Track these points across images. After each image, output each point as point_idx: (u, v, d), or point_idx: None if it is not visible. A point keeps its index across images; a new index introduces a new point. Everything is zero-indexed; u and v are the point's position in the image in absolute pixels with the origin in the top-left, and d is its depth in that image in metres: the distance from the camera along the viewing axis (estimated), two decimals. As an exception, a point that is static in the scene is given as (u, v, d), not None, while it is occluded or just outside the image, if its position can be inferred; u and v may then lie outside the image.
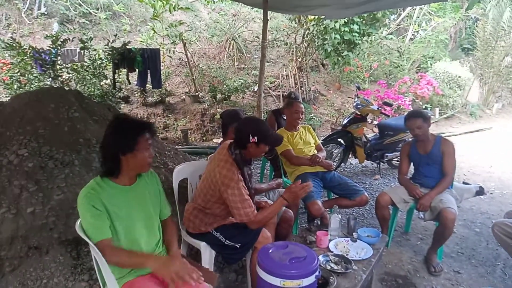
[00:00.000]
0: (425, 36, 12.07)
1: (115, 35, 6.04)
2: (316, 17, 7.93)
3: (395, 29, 12.12)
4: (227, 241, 2.23)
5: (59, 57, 5.41)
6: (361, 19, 7.90)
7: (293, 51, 9.58)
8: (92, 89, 5.70)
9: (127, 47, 6.04)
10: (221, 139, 4.25)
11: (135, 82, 7.10)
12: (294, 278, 1.65)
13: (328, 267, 2.10)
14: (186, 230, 2.38)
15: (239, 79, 8.84)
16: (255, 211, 2.17)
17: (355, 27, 7.81)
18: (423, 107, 8.96)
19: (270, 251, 1.78)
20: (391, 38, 12.01)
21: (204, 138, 7.15)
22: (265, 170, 4.98)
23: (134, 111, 7.45)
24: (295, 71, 9.13)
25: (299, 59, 9.26)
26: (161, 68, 7.19)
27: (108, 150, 1.71)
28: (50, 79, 5.18)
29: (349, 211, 3.98)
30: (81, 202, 1.65)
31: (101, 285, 1.74)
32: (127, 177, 1.76)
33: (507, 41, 10.69)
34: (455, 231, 3.42)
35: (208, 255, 2.27)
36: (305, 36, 9.00)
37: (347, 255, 2.24)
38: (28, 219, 2.33)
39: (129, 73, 6.70)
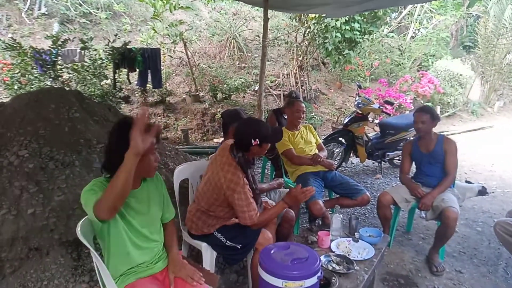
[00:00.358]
0: (426, 34, 12.04)
1: (116, 35, 6.04)
2: (317, 15, 7.91)
3: (396, 27, 12.09)
4: (228, 242, 2.23)
5: (59, 57, 5.40)
6: (362, 17, 7.87)
7: (293, 50, 9.55)
8: (93, 89, 5.69)
9: (128, 46, 6.04)
10: (222, 138, 4.24)
11: (136, 82, 7.09)
12: (296, 279, 1.64)
13: (330, 268, 2.09)
14: (188, 231, 2.37)
15: (240, 78, 8.82)
16: (258, 213, 2.17)
17: (356, 25, 7.78)
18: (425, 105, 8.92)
19: (272, 251, 1.77)
20: (392, 36, 11.97)
21: (205, 138, 7.14)
22: (266, 170, 4.96)
23: (135, 111, 7.44)
24: (296, 70, 9.11)
25: (300, 58, 9.24)
26: (162, 67, 7.18)
27: (113, 155, 1.65)
28: (51, 79, 5.17)
29: (350, 210, 3.97)
30: (86, 189, 1.59)
31: (101, 286, 1.73)
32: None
33: (508, 38, 10.64)
34: (457, 231, 3.41)
35: (209, 256, 2.26)
36: (306, 35, 8.98)
37: (349, 255, 2.23)
38: (28, 220, 2.32)
39: (130, 73, 6.70)
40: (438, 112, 9.54)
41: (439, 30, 11.81)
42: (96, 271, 1.78)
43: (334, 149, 5.10)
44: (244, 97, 8.44)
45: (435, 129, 3.12)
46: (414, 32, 12.45)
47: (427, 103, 9.03)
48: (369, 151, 5.08)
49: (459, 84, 10.12)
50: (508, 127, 9.34)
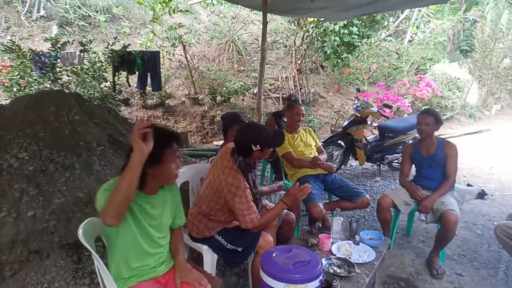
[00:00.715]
0: (423, 38, 12.11)
1: (115, 38, 6.02)
2: (316, 19, 7.94)
3: (393, 31, 12.15)
4: (229, 244, 2.23)
5: (58, 60, 5.39)
6: (361, 21, 7.91)
7: (292, 53, 9.58)
8: (92, 92, 5.68)
9: (127, 49, 6.04)
10: (221, 141, 4.24)
11: (135, 85, 7.09)
12: (299, 282, 1.64)
13: (331, 271, 2.09)
14: (189, 234, 2.36)
15: (239, 81, 8.83)
16: (259, 216, 2.17)
17: (355, 29, 7.82)
18: (423, 108, 8.95)
19: (274, 255, 1.77)
20: (390, 40, 12.04)
21: (204, 141, 7.14)
22: (266, 173, 4.97)
23: (134, 113, 7.44)
24: (295, 73, 9.13)
25: (299, 61, 9.27)
26: (161, 70, 7.18)
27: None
28: (50, 81, 5.16)
29: (350, 213, 3.97)
30: (103, 188, 1.58)
31: (102, 289, 1.73)
32: (150, 188, 1.71)
33: (505, 42, 10.71)
34: (456, 234, 3.41)
35: (210, 259, 2.26)
36: (304, 39, 9.01)
37: (349, 258, 2.23)
38: (28, 223, 2.31)
39: (129, 76, 6.69)
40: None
41: (436, 34, 11.88)
42: (98, 273, 1.77)
43: (333, 152, 5.11)
44: (243, 100, 8.45)
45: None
46: (411, 36, 12.51)
47: (425, 107, 9.08)
48: (368, 154, 5.09)
49: (456, 87, 10.17)
50: (506, 130, 9.39)
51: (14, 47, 4.95)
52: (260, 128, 2.27)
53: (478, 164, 6.19)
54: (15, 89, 5.25)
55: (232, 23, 10.87)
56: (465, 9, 11.85)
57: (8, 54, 5.33)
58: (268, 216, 2.22)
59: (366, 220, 3.94)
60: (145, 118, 1.82)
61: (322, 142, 4.63)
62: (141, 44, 8.40)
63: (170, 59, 8.59)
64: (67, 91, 4.53)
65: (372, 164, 5.44)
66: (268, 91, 8.83)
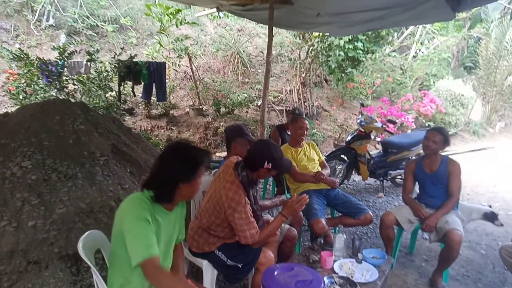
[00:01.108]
0: (428, 54, 12.15)
1: (122, 48, 6.11)
2: (321, 34, 8.00)
3: (398, 47, 12.22)
4: (229, 260, 2.20)
5: (65, 69, 5.45)
6: (365, 37, 7.96)
7: (297, 66, 9.64)
8: (97, 101, 5.73)
9: (134, 60, 6.10)
10: (224, 153, 4.22)
11: (140, 95, 7.14)
12: (300, 301, 1.61)
13: (333, 290, 2.05)
14: (189, 248, 2.34)
15: (243, 93, 8.87)
16: (258, 231, 2.15)
17: (359, 44, 7.87)
18: (426, 124, 8.93)
19: (276, 273, 1.75)
20: (394, 55, 12.09)
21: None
22: (268, 186, 4.94)
23: (138, 123, 7.47)
24: (299, 86, 9.16)
25: (303, 75, 9.31)
26: (166, 81, 7.24)
27: (167, 178, 1.64)
28: (56, 90, 5.21)
29: (352, 230, 3.92)
30: (132, 210, 1.56)
31: (100, 303, 1.70)
32: (171, 204, 1.72)
33: (510, 60, 10.72)
34: (460, 253, 3.36)
35: (210, 275, 2.23)
36: (309, 52, 9.07)
37: (352, 277, 2.19)
38: (29, 233, 2.30)
39: (135, 86, 6.75)
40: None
41: (441, 50, 11.93)
42: (96, 286, 1.75)
43: (336, 166, 5.09)
44: (247, 112, 8.47)
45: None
46: (415, 52, 12.57)
47: (428, 123, 9.06)
48: (371, 169, 5.07)
49: (460, 104, 10.15)
50: (510, 148, 9.33)
51: (22, 55, 5.01)
52: (277, 148, 2.30)
53: (481, 181, 6.13)
54: (21, 97, 5.30)
55: (238, 35, 10.98)
56: (470, 26, 11.90)
57: (16, 62, 5.40)
58: (268, 230, 2.20)
59: (368, 237, 3.89)
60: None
61: (325, 156, 4.62)
62: (147, 54, 8.49)
63: (175, 70, 8.66)
64: (72, 100, 4.57)
65: (375, 179, 5.41)
66: (272, 103, 8.85)
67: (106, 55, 8.06)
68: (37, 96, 5.25)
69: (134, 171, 3.20)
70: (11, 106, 6.02)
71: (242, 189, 2.15)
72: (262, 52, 10.66)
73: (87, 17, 9.00)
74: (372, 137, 5.40)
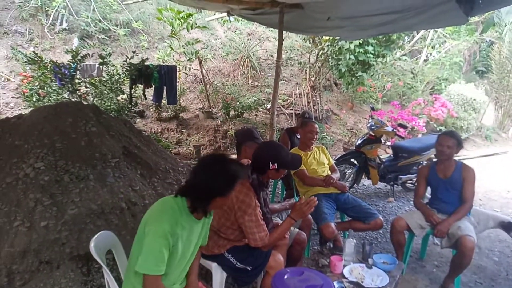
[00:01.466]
0: (439, 58, 12.03)
1: (134, 52, 6.16)
2: (331, 37, 7.99)
3: (408, 51, 12.12)
4: (238, 263, 2.20)
5: (78, 72, 5.53)
6: (376, 41, 7.92)
7: (306, 70, 9.63)
8: (109, 104, 5.79)
9: (145, 63, 6.16)
10: (234, 156, 4.22)
11: (151, 98, 7.20)
12: (310, 306, 1.60)
13: (343, 295, 2.04)
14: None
15: (253, 96, 8.90)
16: (268, 235, 2.15)
17: (370, 48, 7.83)
18: (438, 129, 8.83)
19: (285, 277, 1.74)
20: (405, 59, 12.00)
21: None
22: (277, 189, 4.93)
23: (149, 125, 7.54)
24: (308, 89, 9.16)
25: (313, 78, 9.30)
26: (177, 84, 7.30)
27: (205, 191, 1.66)
28: (68, 92, 5.29)
29: (362, 234, 3.89)
30: (158, 222, 1.59)
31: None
32: (202, 214, 1.75)
33: (523, 65, 10.57)
34: (473, 259, 3.30)
35: (219, 277, 2.23)
36: (319, 56, 9.06)
37: (362, 282, 2.17)
38: (41, 233, 2.33)
39: (146, 89, 6.82)
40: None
41: (452, 54, 11.80)
42: (107, 287, 1.77)
43: (346, 170, 5.05)
44: (256, 115, 8.49)
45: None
46: (426, 56, 12.45)
47: (440, 127, 8.96)
48: (382, 173, 5.02)
49: (472, 108, 10.01)
50: (523, 153, 9.16)
51: (36, 58, 5.10)
52: (280, 147, 2.30)
53: (494, 187, 6.03)
54: (34, 99, 5.38)
55: (248, 39, 11.03)
56: (482, 30, 11.75)
57: (30, 65, 5.50)
58: (277, 233, 2.20)
59: (378, 242, 3.85)
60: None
61: (335, 160, 4.59)
62: (158, 58, 8.57)
63: (186, 73, 8.72)
64: (85, 102, 4.63)
65: (385, 184, 5.36)
66: (281, 107, 8.85)
67: (118, 59, 8.16)
68: (50, 99, 5.33)
69: (145, 173, 3.23)
70: (25, 108, 6.12)
71: (253, 191, 2.16)
72: (271, 56, 10.68)
73: (100, 21, 9.13)
74: (383, 141, 5.35)
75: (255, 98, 8.68)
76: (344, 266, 2.36)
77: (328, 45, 8.43)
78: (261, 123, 8.19)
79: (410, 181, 5.27)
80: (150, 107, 7.95)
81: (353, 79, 8.48)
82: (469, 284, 3.09)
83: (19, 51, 5.77)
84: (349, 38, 7.08)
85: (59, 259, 2.31)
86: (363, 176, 5.15)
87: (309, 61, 9.46)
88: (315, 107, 9.00)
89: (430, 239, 3.53)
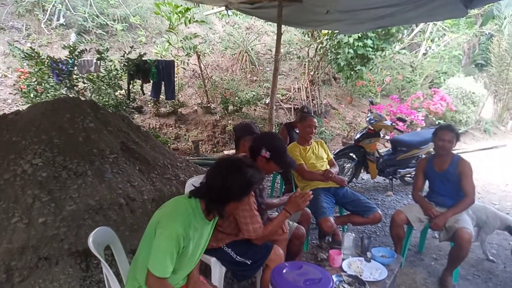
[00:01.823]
0: (438, 51, 11.99)
1: (131, 47, 6.13)
2: (330, 31, 7.95)
3: (408, 44, 12.08)
4: (238, 257, 2.20)
5: (75, 67, 5.50)
6: (375, 34, 7.88)
7: (305, 64, 9.60)
8: (107, 99, 5.78)
9: (143, 58, 6.13)
10: (232, 150, 4.22)
11: (149, 93, 7.18)
12: (308, 300, 1.61)
13: (341, 288, 2.04)
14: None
15: (251, 91, 8.87)
16: (262, 227, 2.15)
17: (369, 42, 7.79)
18: (436, 122, 8.83)
19: (284, 271, 1.74)
20: (404, 53, 11.96)
21: (215, 150, 7.15)
22: (276, 184, 4.94)
23: (147, 121, 7.52)
24: (307, 84, 9.13)
25: (311, 73, 9.27)
26: (175, 79, 7.27)
27: (221, 195, 1.66)
28: (66, 88, 5.27)
29: (361, 228, 3.90)
30: (170, 221, 1.59)
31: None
32: (213, 216, 1.76)
33: (523, 57, 10.54)
34: (471, 251, 3.32)
35: (218, 271, 2.23)
36: (318, 50, 9.02)
37: (360, 275, 2.18)
38: (39, 229, 2.33)
39: (144, 84, 6.79)
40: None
41: (452, 47, 11.76)
42: (106, 282, 1.77)
43: (344, 165, 5.05)
44: (255, 110, 8.47)
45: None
46: (426, 49, 12.41)
47: (439, 121, 8.96)
48: (380, 167, 5.03)
49: (471, 102, 10.00)
50: (522, 146, 9.17)
51: (33, 54, 5.07)
52: (280, 140, 2.31)
53: (493, 180, 6.04)
54: (32, 95, 5.36)
55: (246, 33, 10.98)
56: (482, 23, 11.69)
57: (27, 61, 5.47)
58: (272, 226, 2.20)
59: (377, 236, 3.86)
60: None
61: (334, 155, 4.59)
62: (156, 53, 8.53)
63: (184, 68, 8.69)
64: (82, 98, 4.61)
65: (384, 178, 5.37)
66: (280, 101, 8.84)
67: (116, 54, 8.12)
68: (48, 95, 5.32)
69: (143, 168, 3.22)
70: (22, 104, 6.10)
71: None
72: (270, 50, 10.64)
73: (97, 16, 9.07)
74: (381, 135, 5.35)
75: (254, 93, 8.66)
76: (343, 259, 2.37)
77: (327, 39, 8.39)
78: (260, 118, 8.17)
79: (409, 175, 5.28)
80: (149, 103, 7.93)
81: (352, 73, 8.45)
82: (467, 276, 3.11)
83: (16, 47, 5.75)
84: (348, 32, 7.05)
85: (58, 255, 2.30)
86: (362, 170, 5.16)
87: (308, 55, 9.42)
88: (314, 101, 8.98)
89: (429, 232, 3.54)
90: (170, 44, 8.15)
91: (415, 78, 11.01)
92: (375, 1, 3.91)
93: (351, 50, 7.88)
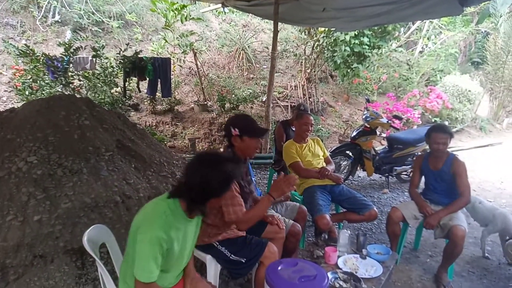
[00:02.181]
0: (434, 49, 12.03)
1: (127, 44, 6.10)
2: (326, 29, 7.95)
3: (404, 42, 12.10)
4: (232, 255, 2.20)
5: (71, 65, 5.47)
6: (372, 32, 7.89)
7: (302, 62, 9.60)
8: (103, 97, 5.75)
9: (139, 56, 6.11)
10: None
11: (145, 91, 7.16)
12: (303, 297, 1.61)
13: (337, 285, 2.05)
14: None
15: (248, 89, 8.86)
16: (244, 209, 2.14)
17: (365, 39, 7.80)
18: (433, 120, 8.86)
19: (279, 268, 1.75)
20: (401, 51, 11.98)
21: (212, 147, 7.15)
22: (272, 181, 4.94)
23: (143, 119, 7.50)
24: (304, 82, 9.13)
25: (308, 70, 9.27)
26: (171, 77, 7.25)
27: (201, 194, 1.60)
28: (61, 86, 5.24)
29: (357, 225, 3.91)
30: (149, 227, 1.55)
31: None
32: (196, 213, 1.72)
33: (518, 55, 10.58)
34: (465, 248, 3.34)
35: (213, 269, 2.23)
36: (314, 48, 9.02)
37: (356, 272, 2.19)
38: (34, 227, 2.32)
39: (140, 82, 6.77)
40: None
41: (448, 45, 11.79)
42: (101, 280, 1.77)
43: (341, 162, 5.07)
44: (251, 107, 8.46)
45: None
46: (422, 47, 12.44)
47: (435, 118, 8.99)
48: (377, 165, 5.04)
49: (467, 100, 10.04)
50: (518, 144, 9.22)
51: (28, 51, 5.04)
52: (243, 115, 2.33)
53: (488, 178, 6.08)
54: (27, 92, 5.33)
55: (243, 31, 10.96)
56: (478, 21, 11.75)
57: (22, 58, 5.43)
58: (254, 211, 2.17)
59: (373, 233, 3.88)
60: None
61: (330, 152, 4.60)
62: (152, 50, 8.50)
63: (180, 66, 8.66)
64: (78, 95, 4.59)
65: (380, 175, 5.38)
66: (277, 99, 8.84)
67: (112, 51, 8.08)
68: (43, 92, 5.28)
69: (139, 166, 3.21)
70: (18, 102, 6.06)
71: None
72: (267, 48, 10.62)
73: (93, 13, 9.02)
74: (378, 133, 5.36)
75: (251, 91, 8.65)
76: (339, 257, 2.38)
77: (323, 37, 8.39)
78: (256, 115, 8.17)
79: (405, 173, 5.30)
80: (145, 100, 7.90)
81: (349, 70, 8.46)
82: (462, 273, 3.13)
83: (10, 44, 5.69)
84: (345, 29, 7.06)
85: (53, 253, 2.30)
86: (358, 168, 5.18)
87: (305, 53, 9.42)
88: (310, 99, 8.98)
89: (425, 229, 3.56)
90: (166, 41, 8.12)
91: (412, 76, 11.04)
92: (371, -1, 3.92)
93: (347, 48, 7.89)
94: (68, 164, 2.73)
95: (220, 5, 5.57)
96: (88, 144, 2.95)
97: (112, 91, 5.97)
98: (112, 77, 5.68)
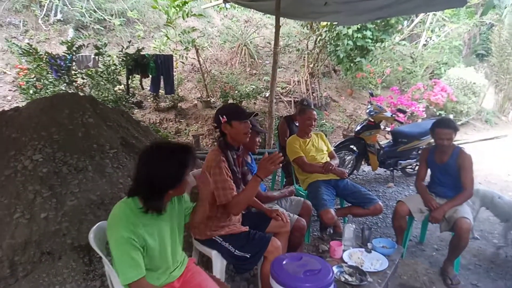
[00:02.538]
0: (438, 42, 11.92)
1: (129, 41, 6.11)
2: (329, 23, 7.90)
3: (408, 35, 12.01)
4: (236, 251, 2.20)
5: (74, 63, 5.49)
6: (374, 25, 7.83)
7: (305, 57, 9.55)
8: (106, 95, 5.77)
9: (141, 53, 6.11)
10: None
11: (148, 88, 7.17)
12: (309, 290, 1.62)
13: (343, 279, 2.05)
14: (194, 237, 2.36)
15: (251, 84, 8.84)
16: (234, 192, 2.15)
17: (368, 33, 7.75)
18: (437, 113, 8.81)
19: (284, 262, 1.75)
20: (404, 44, 11.89)
21: (216, 144, 7.15)
22: (277, 177, 4.94)
23: (147, 116, 7.51)
24: (307, 77, 9.10)
25: (311, 65, 9.23)
26: (174, 73, 7.25)
27: (155, 188, 1.54)
28: (65, 84, 5.26)
29: (362, 219, 3.91)
30: (114, 230, 1.51)
31: (112, 292, 1.73)
32: (158, 211, 1.65)
33: (523, 47, 10.48)
34: (472, 241, 3.33)
35: (219, 264, 2.24)
36: (317, 42, 8.97)
37: (361, 266, 2.19)
38: (41, 225, 2.34)
39: (143, 79, 6.77)
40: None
41: (452, 38, 11.68)
42: (107, 277, 1.78)
43: (345, 157, 5.05)
44: (255, 103, 8.45)
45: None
46: (426, 40, 12.33)
47: (440, 112, 8.93)
48: (381, 159, 5.02)
49: (472, 92, 9.97)
50: (523, 136, 9.15)
51: (31, 50, 5.06)
52: (230, 103, 2.34)
53: (494, 170, 6.04)
54: (31, 91, 5.36)
55: (245, 26, 10.92)
56: (482, 13, 11.56)
57: (25, 57, 5.46)
58: (244, 193, 2.16)
59: (378, 227, 3.87)
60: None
61: (334, 147, 4.59)
62: (154, 47, 8.50)
63: (183, 63, 8.65)
64: (81, 93, 4.61)
65: (385, 169, 5.36)
66: (280, 94, 8.81)
67: (114, 49, 8.08)
68: (47, 91, 5.31)
69: (143, 163, 3.22)
70: (22, 101, 6.09)
71: (220, 151, 2.23)
72: (269, 43, 10.58)
73: (94, 11, 9.02)
74: (382, 127, 5.34)
75: (254, 86, 8.63)
76: (344, 251, 2.38)
77: (326, 31, 8.34)
78: (260, 111, 8.15)
79: (410, 166, 5.28)
80: (148, 98, 7.91)
81: (352, 65, 8.42)
82: (468, 266, 3.12)
83: (13, 43, 5.73)
84: (347, 23, 7.02)
85: (61, 250, 2.32)
86: (362, 162, 5.16)
87: (307, 47, 9.38)
88: (314, 94, 8.95)
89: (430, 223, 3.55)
90: (168, 38, 8.11)
91: (416, 69, 10.96)
92: (373, -8, 3.89)
93: (350, 42, 7.84)
94: (73, 161, 2.75)
95: (221, 0, 5.55)
96: (92, 142, 2.97)
97: (115, 89, 5.98)
98: (115, 74, 5.70)
